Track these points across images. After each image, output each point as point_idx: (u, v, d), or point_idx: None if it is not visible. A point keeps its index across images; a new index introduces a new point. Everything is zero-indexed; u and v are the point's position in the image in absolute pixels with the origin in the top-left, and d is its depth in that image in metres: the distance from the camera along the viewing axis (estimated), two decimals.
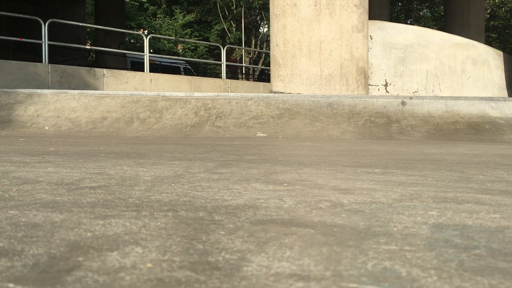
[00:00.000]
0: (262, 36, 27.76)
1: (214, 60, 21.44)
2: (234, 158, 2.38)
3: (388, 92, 8.50)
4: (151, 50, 23.60)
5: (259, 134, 5.62)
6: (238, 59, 26.02)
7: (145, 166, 1.95)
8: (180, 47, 27.70)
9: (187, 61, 21.45)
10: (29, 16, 10.25)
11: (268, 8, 8.98)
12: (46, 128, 6.03)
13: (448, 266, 0.63)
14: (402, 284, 0.56)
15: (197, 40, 25.80)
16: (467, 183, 1.53)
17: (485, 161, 2.41)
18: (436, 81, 8.30)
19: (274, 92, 6.85)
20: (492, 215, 1.00)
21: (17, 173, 1.66)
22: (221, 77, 14.24)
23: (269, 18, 9.22)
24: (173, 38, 18.11)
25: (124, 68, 15.80)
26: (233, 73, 23.04)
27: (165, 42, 26.64)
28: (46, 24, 9.90)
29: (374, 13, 13.21)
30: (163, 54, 21.91)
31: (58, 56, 13.53)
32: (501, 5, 25.94)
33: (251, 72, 24.12)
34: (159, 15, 27.93)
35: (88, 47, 16.18)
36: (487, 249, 0.72)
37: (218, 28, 27.21)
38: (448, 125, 5.75)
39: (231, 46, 18.53)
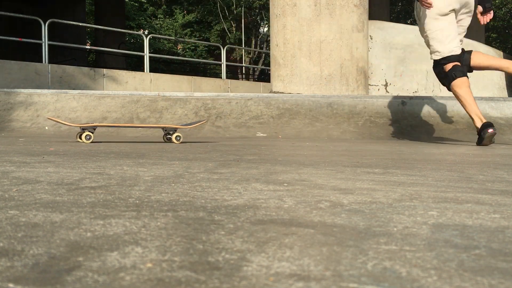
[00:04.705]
0: (262, 36, 27.76)
1: (214, 60, 21.45)
2: (234, 158, 2.39)
3: (388, 92, 8.50)
4: (151, 50, 23.61)
5: (259, 134, 5.62)
6: (238, 59, 26.02)
7: (145, 166, 1.95)
8: (180, 47, 27.70)
9: (187, 61, 21.45)
10: (29, 16, 10.25)
11: (268, 8, 8.98)
12: (46, 128, 6.03)
13: (448, 266, 0.63)
14: (402, 284, 0.56)
15: (197, 40, 25.80)
16: (467, 183, 1.53)
17: (485, 161, 2.41)
18: (436, 81, 8.30)
19: (274, 92, 6.85)
20: (492, 215, 1.00)
21: (17, 173, 1.66)
22: (221, 77, 14.24)
23: (269, 18, 9.22)
24: (173, 38, 18.10)
25: (124, 68, 15.80)
26: (233, 73, 23.05)
27: (165, 42, 26.64)
28: (46, 24, 9.90)
29: (374, 13, 13.21)
30: (163, 54, 21.91)
31: (58, 56, 13.53)
32: (501, 6, 25.95)
33: (251, 72, 24.13)
34: (159, 15, 27.92)
35: (88, 47, 16.17)
36: (487, 249, 0.72)
37: (218, 28, 27.21)
38: (448, 125, 5.75)
39: (231, 46, 18.51)
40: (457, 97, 4.21)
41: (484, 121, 4.05)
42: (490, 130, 3.97)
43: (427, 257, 0.68)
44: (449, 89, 4.23)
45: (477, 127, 4.09)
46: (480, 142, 4.07)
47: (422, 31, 4.30)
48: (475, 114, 4.09)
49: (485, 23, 4.19)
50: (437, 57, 4.21)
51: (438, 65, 4.23)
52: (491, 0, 4.13)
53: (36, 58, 10.60)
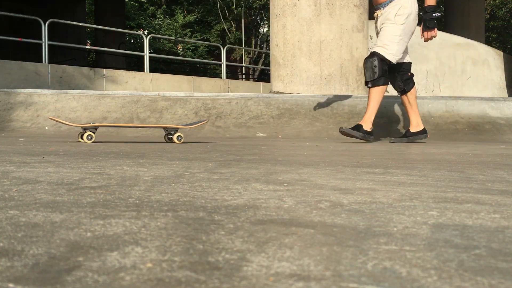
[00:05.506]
0: (262, 36, 27.77)
1: (214, 60, 21.44)
2: (234, 158, 2.39)
3: (388, 92, 8.48)
4: (151, 50, 23.61)
5: (259, 134, 5.62)
6: (238, 59, 26.02)
7: (145, 166, 1.95)
8: (180, 47, 27.71)
9: (187, 61, 21.44)
10: (29, 16, 10.25)
11: (268, 8, 8.98)
12: (46, 128, 6.03)
13: (448, 266, 0.63)
14: (402, 284, 0.56)
15: (197, 40, 25.80)
16: (467, 183, 1.53)
17: (485, 161, 2.41)
18: (436, 81, 8.30)
19: (274, 92, 6.85)
20: (492, 215, 1.00)
21: (17, 173, 1.66)
22: (221, 77, 14.25)
23: (269, 18, 9.21)
24: (173, 38, 18.08)
25: (124, 68, 15.79)
26: (233, 73, 23.05)
27: (165, 42, 26.64)
28: (46, 24, 9.90)
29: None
30: (163, 54, 21.91)
31: (58, 56, 13.53)
32: (501, 6, 25.94)
33: (251, 72, 24.13)
34: (158, 15, 27.91)
35: (88, 47, 16.16)
36: (487, 249, 0.72)
37: (218, 28, 27.21)
38: (448, 125, 5.75)
39: (231, 46, 18.51)
40: (374, 96, 4.41)
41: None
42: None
43: (427, 257, 0.68)
44: (370, 84, 4.41)
45: (368, 131, 4.41)
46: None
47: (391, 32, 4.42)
48: (371, 119, 4.43)
49: (427, 40, 4.43)
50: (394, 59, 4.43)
51: (383, 63, 4.37)
52: (434, 18, 4.39)
53: (36, 58, 10.60)
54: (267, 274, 0.59)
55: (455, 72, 8.45)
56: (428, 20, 4.36)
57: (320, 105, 5.96)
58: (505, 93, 8.99)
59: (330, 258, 0.67)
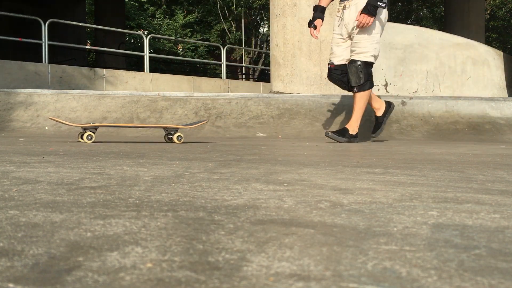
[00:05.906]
0: (262, 36, 27.77)
1: (214, 60, 21.44)
2: (234, 158, 2.39)
3: (388, 92, 8.49)
4: (151, 50, 23.59)
5: (259, 134, 5.62)
6: (238, 59, 26.01)
7: (145, 166, 1.95)
8: (180, 47, 27.70)
9: (187, 61, 21.43)
10: (29, 16, 10.26)
11: (268, 8, 8.97)
12: (46, 128, 6.03)
13: (448, 266, 0.63)
14: (402, 284, 0.56)
15: (197, 40, 25.79)
16: (467, 183, 1.53)
17: (485, 161, 2.41)
18: (436, 81, 8.30)
19: (274, 92, 6.85)
20: (492, 215, 1.00)
21: (17, 173, 1.66)
22: (221, 77, 14.24)
23: (269, 18, 9.22)
24: (173, 38, 18.09)
25: (124, 68, 15.79)
26: (233, 73, 23.04)
27: (165, 42, 26.63)
28: (46, 24, 9.90)
29: None
30: (163, 54, 21.90)
31: (58, 56, 13.52)
32: (501, 5, 25.94)
33: (251, 72, 24.12)
34: (158, 15, 27.91)
35: (88, 47, 16.15)
36: (487, 249, 0.72)
37: (218, 28, 27.21)
38: (448, 125, 5.75)
39: (231, 46, 18.51)
40: (359, 100, 4.39)
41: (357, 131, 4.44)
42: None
43: (427, 257, 0.68)
44: (356, 89, 4.37)
45: (353, 134, 4.41)
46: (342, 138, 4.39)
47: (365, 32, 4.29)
48: (358, 123, 4.45)
49: (359, 24, 4.15)
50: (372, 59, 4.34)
51: (368, 66, 4.31)
52: (377, 7, 4.13)
53: (36, 58, 10.59)
54: (267, 274, 0.59)
55: (455, 72, 8.45)
56: (372, 6, 4.10)
57: (320, 105, 5.96)
58: (505, 93, 8.98)
59: (330, 258, 0.67)
